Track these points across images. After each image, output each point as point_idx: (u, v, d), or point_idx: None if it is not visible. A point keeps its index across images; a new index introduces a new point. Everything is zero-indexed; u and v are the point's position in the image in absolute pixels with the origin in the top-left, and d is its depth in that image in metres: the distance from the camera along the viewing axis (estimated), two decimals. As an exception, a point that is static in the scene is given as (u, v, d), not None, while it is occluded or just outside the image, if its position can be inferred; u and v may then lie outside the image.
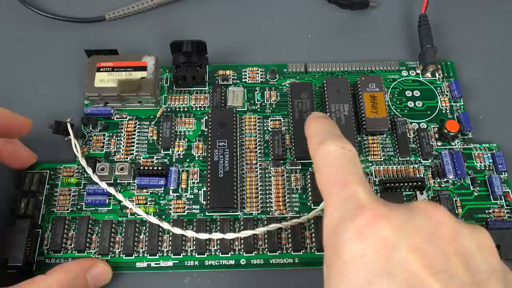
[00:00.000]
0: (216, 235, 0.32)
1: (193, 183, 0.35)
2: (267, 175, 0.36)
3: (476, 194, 0.35)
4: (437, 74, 0.40)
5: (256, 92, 0.39)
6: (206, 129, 0.37)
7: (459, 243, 0.21)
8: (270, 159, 0.36)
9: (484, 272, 0.20)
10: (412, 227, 0.21)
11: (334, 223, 0.22)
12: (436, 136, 0.37)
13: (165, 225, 0.32)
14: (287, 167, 0.36)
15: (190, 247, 0.33)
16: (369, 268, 0.20)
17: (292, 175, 0.36)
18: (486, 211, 0.35)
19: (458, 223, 0.22)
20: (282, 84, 0.39)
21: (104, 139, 0.37)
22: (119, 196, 0.33)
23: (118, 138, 0.37)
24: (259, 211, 0.34)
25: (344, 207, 0.22)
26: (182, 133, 0.37)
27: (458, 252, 0.20)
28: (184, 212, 0.34)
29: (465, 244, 0.21)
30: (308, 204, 0.35)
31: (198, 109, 0.38)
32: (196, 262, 0.33)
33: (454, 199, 0.35)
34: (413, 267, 0.19)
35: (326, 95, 0.38)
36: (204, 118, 0.38)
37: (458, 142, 0.37)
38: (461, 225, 0.21)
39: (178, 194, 0.35)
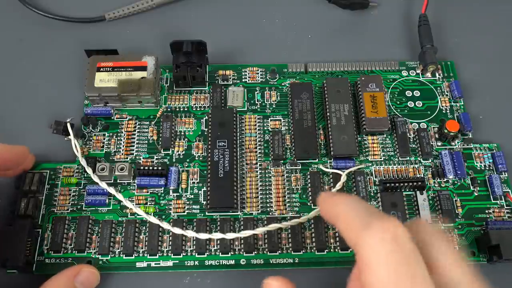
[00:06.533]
0: (216, 235, 0.32)
1: (193, 183, 0.35)
2: (267, 175, 0.36)
3: (476, 194, 0.35)
4: (437, 74, 0.40)
5: (256, 92, 0.39)
6: (206, 129, 0.37)
7: None
8: (270, 159, 0.36)
9: None
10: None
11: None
12: (436, 136, 0.37)
13: (165, 225, 0.32)
14: (287, 167, 0.36)
15: (190, 247, 0.33)
16: (389, 273, 0.19)
17: (292, 175, 0.36)
18: (486, 211, 0.35)
19: None
20: (282, 84, 0.39)
21: (104, 139, 0.37)
22: (119, 196, 0.33)
23: (118, 138, 0.37)
24: (259, 211, 0.34)
25: (372, 224, 0.21)
26: (182, 133, 0.37)
27: None
28: (184, 212, 0.34)
29: None
30: (308, 204, 0.35)
31: (198, 109, 0.38)
32: (196, 262, 0.33)
33: (454, 199, 0.35)
34: None
35: (326, 95, 0.38)
36: (204, 118, 0.38)
37: (458, 142, 0.37)
38: None
39: (178, 194, 0.35)
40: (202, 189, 0.35)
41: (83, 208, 0.34)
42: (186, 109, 0.38)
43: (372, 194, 0.35)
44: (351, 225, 0.22)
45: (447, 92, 0.39)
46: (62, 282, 0.30)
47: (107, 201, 0.34)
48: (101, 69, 0.37)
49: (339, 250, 0.33)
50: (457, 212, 0.35)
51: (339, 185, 0.34)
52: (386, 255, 0.20)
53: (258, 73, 0.40)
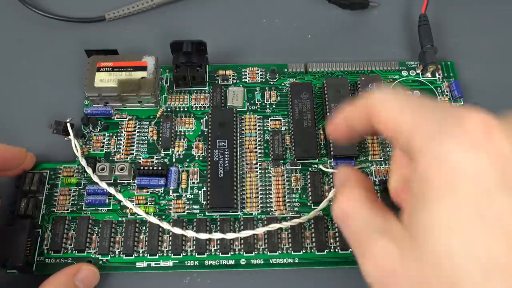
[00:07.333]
0: (216, 235, 0.32)
1: (193, 183, 0.35)
2: (267, 175, 0.36)
3: (476, 194, 0.35)
4: (437, 74, 0.40)
5: (256, 92, 0.39)
6: (206, 129, 0.37)
7: None
8: (270, 159, 0.36)
9: None
10: None
11: (431, 130, 0.20)
12: (436, 136, 0.37)
13: (165, 225, 0.32)
14: (287, 167, 0.36)
15: (190, 247, 0.33)
16: (487, 180, 0.18)
17: (292, 175, 0.36)
18: (486, 211, 0.35)
19: None
20: (282, 84, 0.39)
21: (104, 139, 0.37)
22: (119, 196, 0.33)
23: (118, 138, 0.37)
24: (259, 211, 0.34)
25: (440, 116, 0.20)
26: (182, 133, 0.37)
27: None
28: (184, 212, 0.34)
29: None
30: (308, 204, 0.35)
31: (198, 109, 0.38)
32: (196, 262, 0.33)
33: (454, 199, 0.35)
34: None
35: (326, 95, 0.38)
36: (204, 118, 0.38)
37: (458, 142, 0.37)
38: None
39: (178, 194, 0.35)
40: (202, 189, 0.35)
41: (83, 208, 0.34)
42: (186, 109, 0.38)
43: (372, 194, 0.35)
44: (359, 109, 0.24)
45: (447, 92, 0.39)
46: (62, 280, 0.30)
47: (107, 201, 0.34)
48: (101, 69, 0.37)
49: (339, 250, 0.33)
50: (457, 212, 0.35)
51: (339, 185, 0.34)
52: (392, 99, 0.22)
53: (258, 73, 0.40)
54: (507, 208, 0.17)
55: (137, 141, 0.37)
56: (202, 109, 0.38)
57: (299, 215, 0.34)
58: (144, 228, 0.34)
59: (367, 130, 0.24)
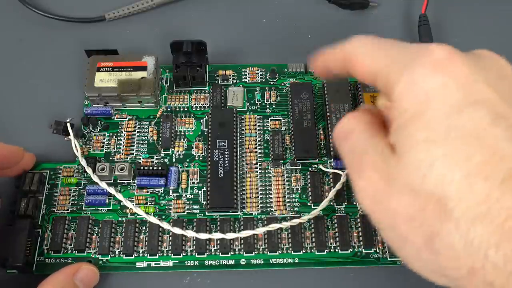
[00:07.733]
0: (216, 235, 0.32)
1: (193, 183, 0.35)
2: (267, 175, 0.36)
3: (476, 194, 0.35)
4: (437, 74, 0.40)
5: (256, 92, 0.39)
6: (206, 129, 0.37)
7: None
8: (270, 159, 0.36)
9: None
10: (484, 66, 0.22)
11: (403, 63, 0.22)
12: (436, 136, 0.37)
13: (165, 225, 0.32)
14: (287, 167, 0.36)
15: (190, 247, 0.33)
16: (454, 97, 0.20)
17: (292, 175, 0.36)
18: (486, 211, 0.35)
19: None
20: (282, 84, 0.39)
21: (104, 139, 0.37)
22: (119, 196, 0.33)
23: (118, 138, 0.37)
24: (259, 211, 0.34)
25: (410, 51, 0.23)
26: (182, 133, 0.37)
27: None
28: (184, 212, 0.34)
29: None
30: (308, 204, 0.35)
31: (198, 109, 0.38)
32: (196, 262, 0.33)
33: (454, 199, 0.35)
34: (493, 98, 0.20)
35: (326, 95, 0.38)
36: (204, 118, 0.38)
37: (458, 142, 0.37)
38: None
39: (178, 194, 0.35)
40: (202, 189, 0.35)
41: (83, 208, 0.34)
42: (186, 109, 0.38)
43: (372, 194, 0.35)
44: (337, 56, 0.27)
45: (447, 92, 0.39)
46: (61, 280, 0.30)
47: (107, 201, 0.34)
48: (101, 69, 0.37)
49: (339, 250, 0.33)
50: (457, 212, 0.35)
51: (339, 185, 0.34)
52: (365, 46, 0.26)
53: (258, 73, 0.40)
54: (478, 120, 0.19)
55: (137, 141, 0.37)
56: (202, 109, 0.38)
57: (299, 215, 0.34)
58: (144, 228, 0.34)
59: (343, 73, 0.27)
